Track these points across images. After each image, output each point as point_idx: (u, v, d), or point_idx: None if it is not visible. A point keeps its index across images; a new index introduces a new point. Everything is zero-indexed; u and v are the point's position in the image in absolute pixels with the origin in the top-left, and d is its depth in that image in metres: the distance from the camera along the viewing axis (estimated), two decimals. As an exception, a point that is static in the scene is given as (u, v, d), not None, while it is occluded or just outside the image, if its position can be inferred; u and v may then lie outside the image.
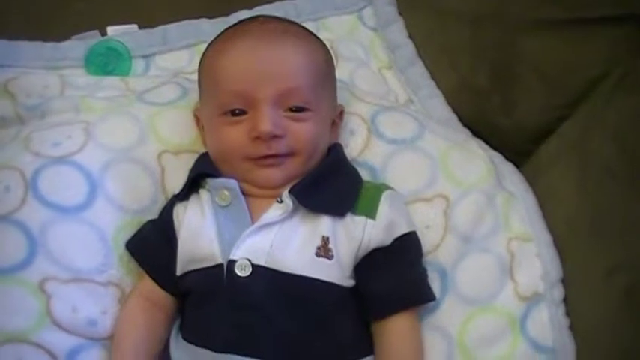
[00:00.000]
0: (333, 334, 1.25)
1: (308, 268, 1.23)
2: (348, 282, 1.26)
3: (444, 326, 1.33)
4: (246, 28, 1.37)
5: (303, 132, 1.28)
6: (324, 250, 1.24)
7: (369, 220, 1.27)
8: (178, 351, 1.28)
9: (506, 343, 1.31)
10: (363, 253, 1.27)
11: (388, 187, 1.35)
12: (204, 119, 1.37)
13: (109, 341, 1.29)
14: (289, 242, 1.24)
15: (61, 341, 1.24)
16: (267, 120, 1.25)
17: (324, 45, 1.41)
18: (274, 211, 1.26)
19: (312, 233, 1.25)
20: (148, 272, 1.34)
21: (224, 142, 1.30)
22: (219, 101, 1.31)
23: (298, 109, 1.29)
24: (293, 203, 1.25)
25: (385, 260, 1.27)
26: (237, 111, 1.29)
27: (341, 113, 1.43)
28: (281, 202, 1.26)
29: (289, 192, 1.26)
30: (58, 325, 1.25)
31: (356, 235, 1.26)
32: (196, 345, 1.25)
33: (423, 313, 1.33)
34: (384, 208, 1.29)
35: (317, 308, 1.24)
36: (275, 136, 1.26)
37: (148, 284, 1.33)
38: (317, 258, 1.23)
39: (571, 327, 1.31)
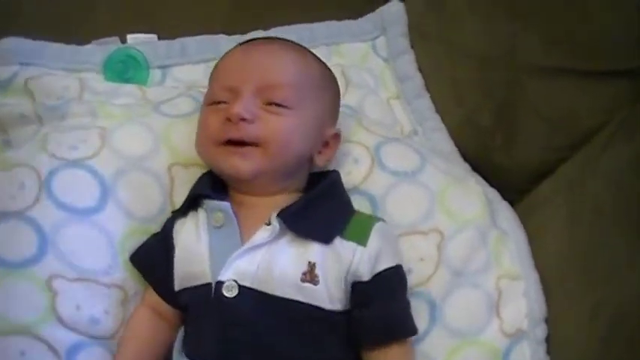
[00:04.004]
0: (321, 352, 1.27)
1: (293, 292, 1.25)
2: (336, 305, 1.27)
3: (432, 356, 1.36)
4: (251, 41, 1.46)
5: (274, 123, 1.31)
6: (310, 275, 1.25)
7: (359, 247, 1.28)
8: None
9: None
10: (351, 279, 1.28)
11: (380, 219, 1.37)
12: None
13: (110, 341, 1.32)
14: (275, 265, 1.26)
15: (63, 337, 1.26)
16: (240, 104, 1.29)
17: (324, 64, 1.45)
18: (262, 233, 1.28)
19: (298, 258, 1.27)
20: (152, 286, 1.37)
21: (202, 127, 1.36)
22: (210, 95, 1.37)
23: (277, 105, 1.32)
24: (280, 226, 1.27)
25: (371, 292, 1.28)
26: (221, 103, 1.34)
27: (336, 137, 1.43)
28: (269, 224, 1.28)
29: (277, 215, 1.28)
30: (61, 321, 1.27)
31: (345, 259, 1.27)
32: (190, 358, 1.28)
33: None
34: (375, 237, 1.30)
35: (303, 329, 1.26)
36: (244, 120, 1.29)
37: (153, 295, 1.37)
38: (302, 283, 1.25)
39: (552, 365, 1.34)
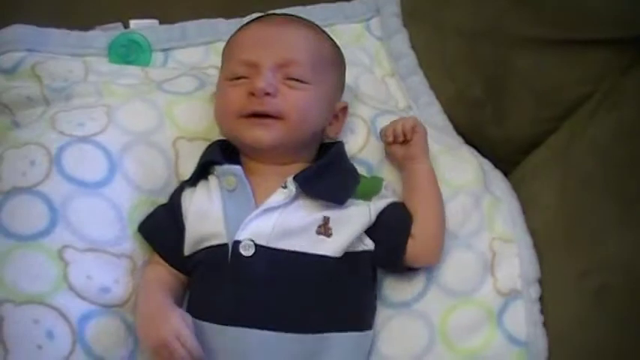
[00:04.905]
0: (335, 306, 1.33)
1: (308, 245, 1.32)
2: (341, 252, 1.34)
3: (428, 315, 1.40)
4: (262, 16, 1.51)
5: (294, 98, 1.37)
6: (324, 228, 1.32)
7: (372, 206, 1.38)
8: None
9: (484, 334, 1.37)
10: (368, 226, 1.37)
11: (383, 179, 1.46)
12: (217, 91, 1.47)
13: (120, 309, 1.34)
14: (291, 223, 1.32)
15: (74, 306, 1.29)
16: (263, 79, 1.35)
17: (333, 40, 1.51)
18: (278, 196, 1.34)
19: (312, 215, 1.34)
20: (159, 254, 1.40)
21: (224, 101, 1.41)
22: (229, 70, 1.42)
23: (296, 80, 1.38)
24: (296, 189, 1.34)
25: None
26: (241, 78, 1.39)
27: (344, 109, 1.50)
28: (285, 187, 1.34)
29: (294, 179, 1.34)
30: (73, 290, 1.30)
31: (361, 218, 1.36)
32: (201, 319, 1.31)
33: (409, 301, 1.41)
34: (386, 193, 1.42)
35: (317, 280, 1.32)
36: (267, 94, 1.35)
37: (162, 262, 1.40)
38: (317, 236, 1.32)
39: (545, 324, 1.37)
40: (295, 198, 1.35)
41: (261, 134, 1.37)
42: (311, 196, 1.35)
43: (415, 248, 1.39)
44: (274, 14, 1.58)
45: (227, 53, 1.47)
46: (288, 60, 1.39)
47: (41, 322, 1.26)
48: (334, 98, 1.48)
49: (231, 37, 1.50)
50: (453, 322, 1.39)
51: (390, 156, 1.51)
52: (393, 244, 1.38)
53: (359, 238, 1.37)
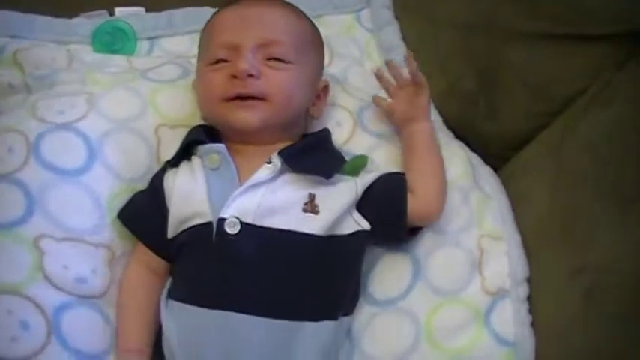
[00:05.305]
0: (321, 288, 1.30)
1: (294, 223, 1.29)
2: (328, 230, 1.32)
3: (414, 312, 1.38)
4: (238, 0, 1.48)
5: (278, 78, 1.36)
6: (310, 206, 1.30)
7: (358, 181, 1.37)
8: (167, 315, 1.32)
9: (471, 333, 1.35)
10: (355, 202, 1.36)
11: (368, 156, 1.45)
12: (198, 77, 1.45)
13: (98, 300, 1.33)
14: (276, 200, 1.30)
15: (50, 296, 1.27)
16: (245, 60, 1.34)
17: (311, 20, 1.50)
18: (262, 172, 1.32)
19: (298, 192, 1.31)
20: (141, 240, 1.38)
21: (207, 86, 1.39)
22: (209, 54, 1.40)
23: (278, 60, 1.37)
24: (281, 164, 1.32)
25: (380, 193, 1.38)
26: (221, 61, 1.38)
27: (326, 88, 1.50)
28: (270, 162, 1.32)
29: (278, 154, 1.32)
30: (49, 280, 1.28)
31: (350, 192, 1.35)
32: (185, 302, 1.29)
33: (394, 298, 1.39)
34: (373, 168, 1.43)
35: (303, 260, 1.30)
36: (250, 76, 1.34)
37: (143, 251, 1.38)
38: (304, 214, 1.30)
39: (533, 324, 1.35)
40: (280, 174, 1.33)
41: (246, 116, 1.35)
42: (296, 172, 1.33)
43: (417, 204, 1.38)
44: None
45: (205, 38, 1.46)
46: (270, 40, 1.37)
47: (15, 313, 1.24)
48: (316, 78, 1.47)
49: (207, 22, 1.48)
50: (439, 321, 1.37)
51: (389, 117, 1.52)
52: (392, 212, 1.37)
53: (352, 218, 1.35)
